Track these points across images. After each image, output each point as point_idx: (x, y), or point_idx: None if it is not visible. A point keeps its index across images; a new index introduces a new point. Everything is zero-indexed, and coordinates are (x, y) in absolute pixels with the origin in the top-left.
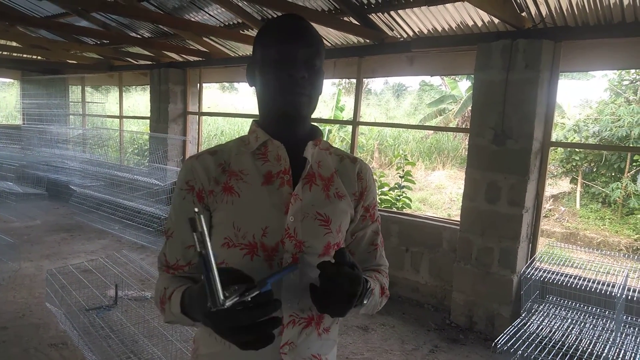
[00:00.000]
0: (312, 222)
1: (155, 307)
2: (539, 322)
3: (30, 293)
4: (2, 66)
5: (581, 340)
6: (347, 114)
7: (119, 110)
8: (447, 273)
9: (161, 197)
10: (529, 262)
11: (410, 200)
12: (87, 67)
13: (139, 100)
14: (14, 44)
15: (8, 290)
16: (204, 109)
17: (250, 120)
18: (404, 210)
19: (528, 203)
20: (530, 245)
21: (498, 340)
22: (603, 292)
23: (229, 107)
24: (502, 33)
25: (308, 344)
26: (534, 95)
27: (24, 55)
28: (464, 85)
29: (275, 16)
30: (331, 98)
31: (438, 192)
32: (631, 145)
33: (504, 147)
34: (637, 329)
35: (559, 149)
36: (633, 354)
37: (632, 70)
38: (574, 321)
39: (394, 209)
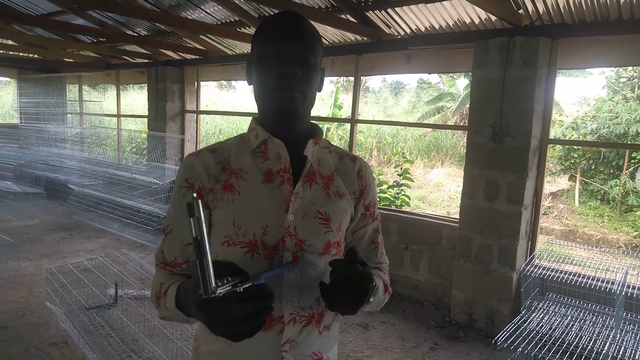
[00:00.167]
0: (313, 221)
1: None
2: (538, 319)
3: (30, 292)
4: None
5: (581, 337)
6: (346, 112)
7: (117, 108)
8: (446, 271)
9: (160, 196)
10: (528, 259)
11: (409, 198)
12: (84, 66)
13: (136, 99)
14: (10, 42)
15: (8, 290)
16: (202, 107)
17: (248, 118)
18: (403, 208)
19: (527, 200)
20: (530, 242)
21: (498, 338)
22: (602, 289)
23: (226, 105)
24: (499, 30)
25: (309, 342)
26: (532, 93)
27: (21, 54)
28: (462, 83)
29: (272, 14)
30: (329, 96)
31: (437, 190)
32: (629, 143)
33: (502, 145)
34: (636, 326)
35: (557, 146)
36: (633, 351)
37: (630, 68)
38: (573, 318)
39: (393, 207)
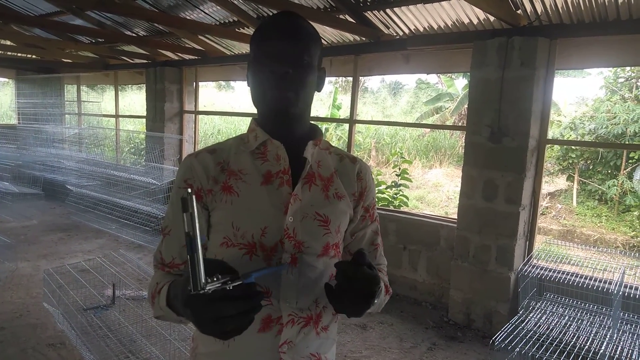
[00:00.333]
0: (312, 223)
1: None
2: (536, 319)
3: (27, 293)
4: None
5: (578, 337)
6: (344, 112)
7: (115, 109)
8: (444, 271)
9: (158, 196)
10: (526, 259)
11: (407, 199)
12: (83, 66)
13: (135, 99)
14: (9, 42)
15: (5, 290)
16: (200, 108)
17: (246, 118)
18: (401, 209)
19: (525, 200)
20: (527, 242)
21: (496, 338)
22: (600, 289)
23: (225, 105)
24: (497, 31)
25: (307, 343)
26: (530, 93)
27: (19, 54)
28: (460, 83)
29: (271, 14)
30: (328, 96)
31: (435, 190)
32: (627, 143)
33: (501, 145)
34: (634, 326)
35: (556, 146)
36: (630, 350)
37: (627, 68)
38: (571, 318)
39: (391, 207)
